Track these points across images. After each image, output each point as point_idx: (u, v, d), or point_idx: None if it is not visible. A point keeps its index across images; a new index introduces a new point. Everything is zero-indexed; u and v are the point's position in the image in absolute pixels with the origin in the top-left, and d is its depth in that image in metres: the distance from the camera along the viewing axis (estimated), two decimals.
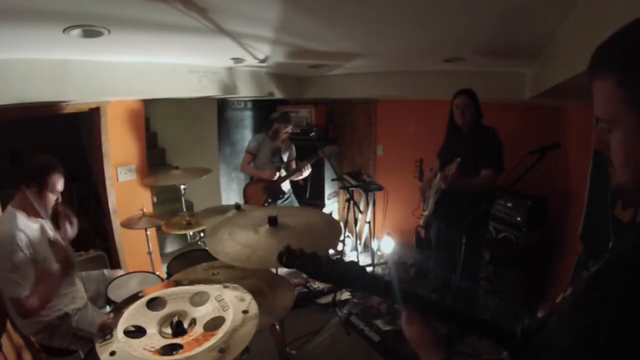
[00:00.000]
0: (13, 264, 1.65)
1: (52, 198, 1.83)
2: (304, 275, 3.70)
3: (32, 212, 1.83)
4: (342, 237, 4.17)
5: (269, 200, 3.47)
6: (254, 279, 1.96)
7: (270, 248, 1.56)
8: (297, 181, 3.68)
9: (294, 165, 3.67)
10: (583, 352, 0.49)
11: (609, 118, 0.56)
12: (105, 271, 2.44)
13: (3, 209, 2.22)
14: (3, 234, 1.68)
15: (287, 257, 0.86)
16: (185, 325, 1.30)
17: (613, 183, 0.59)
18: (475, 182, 2.44)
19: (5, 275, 1.64)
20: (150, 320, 1.32)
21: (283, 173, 3.63)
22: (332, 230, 1.83)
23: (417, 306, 0.86)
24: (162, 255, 3.96)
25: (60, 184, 1.83)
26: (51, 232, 1.98)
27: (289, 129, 3.56)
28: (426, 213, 2.90)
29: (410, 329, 0.85)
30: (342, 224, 4.23)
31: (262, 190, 3.53)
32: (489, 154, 2.44)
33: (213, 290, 1.47)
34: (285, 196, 3.68)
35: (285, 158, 3.67)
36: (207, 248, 3.10)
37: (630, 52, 0.52)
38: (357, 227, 3.82)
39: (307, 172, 3.52)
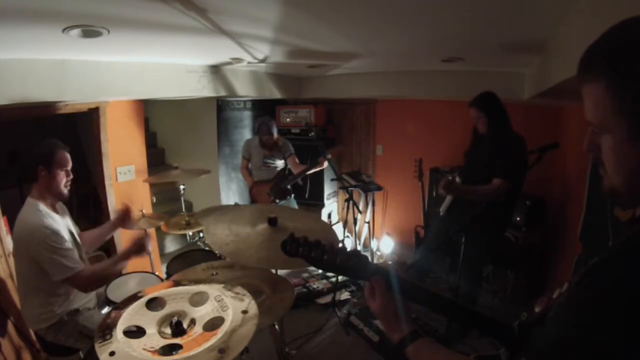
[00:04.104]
0: (51, 246, 1.67)
1: (62, 176, 1.83)
2: (304, 275, 3.73)
3: (51, 203, 1.85)
4: (341, 237, 4.18)
5: (276, 201, 3.48)
6: (253, 279, 1.96)
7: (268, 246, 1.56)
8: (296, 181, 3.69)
9: (296, 160, 3.68)
10: (572, 343, 0.50)
11: (600, 124, 0.56)
12: None
13: (3, 209, 2.22)
14: (33, 222, 1.70)
15: (290, 244, 0.86)
16: (185, 326, 1.30)
17: (605, 185, 0.59)
18: (478, 191, 2.40)
19: (49, 260, 1.67)
20: (149, 321, 1.32)
21: (278, 167, 3.67)
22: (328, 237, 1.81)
23: (416, 297, 0.86)
24: (162, 255, 3.96)
25: (65, 160, 1.84)
26: (70, 224, 1.99)
27: (273, 136, 3.56)
28: (441, 212, 2.85)
29: (374, 301, 0.86)
30: (341, 224, 4.24)
31: (269, 191, 3.54)
32: (503, 163, 2.32)
33: (212, 290, 1.47)
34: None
35: (277, 162, 3.70)
36: (206, 248, 3.12)
37: (617, 57, 0.52)
38: (357, 227, 3.82)
39: (325, 165, 3.50)
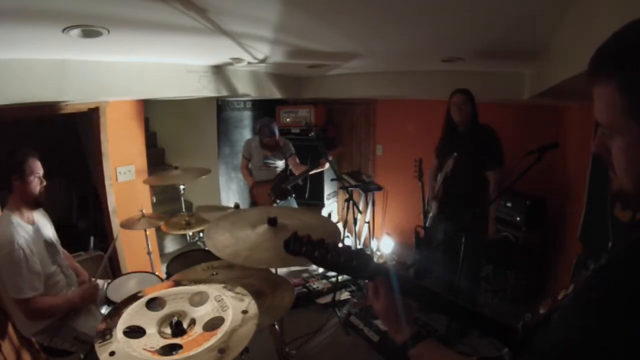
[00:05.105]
0: (15, 265, 1.65)
1: (36, 183, 1.84)
2: (304, 275, 3.73)
3: (26, 212, 1.85)
4: (341, 237, 4.17)
5: (277, 201, 3.47)
6: (253, 279, 1.96)
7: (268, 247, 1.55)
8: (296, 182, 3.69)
9: (296, 160, 3.67)
10: (574, 345, 0.50)
11: (610, 124, 0.55)
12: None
13: (2, 209, 2.22)
14: (1, 236, 1.68)
15: (293, 243, 0.85)
16: (185, 326, 1.30)
17: (614, 187, 0.58)
18: (496, 193, 2.49)
19: (9, 277, 1.65)
20: (149, 321, 1.32)
21: (279, 168, 3.66)
22: (330, 230, 1.82)
23: (420, 298, 0.86)
24: (162, 255, 3.96)
25: (37, 167, 1.85)
26: (49, 233, 1.98)
27: (275, 138, 3.55)
28: (430, 214, 2.90)
29: (377, 302, 0.85)
30: (341, 224, 4.24)
31: (269, 191, 3.53)
32: (494, 155, 2.52)
33: (212, 290, 1.47)
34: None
35: (278, 162, 3.69)
36: (206, 248, 3.11)
37: (627, 57, 0.51)
38: (357, 227, 3.82)
39: (326, 166, 3.48)
